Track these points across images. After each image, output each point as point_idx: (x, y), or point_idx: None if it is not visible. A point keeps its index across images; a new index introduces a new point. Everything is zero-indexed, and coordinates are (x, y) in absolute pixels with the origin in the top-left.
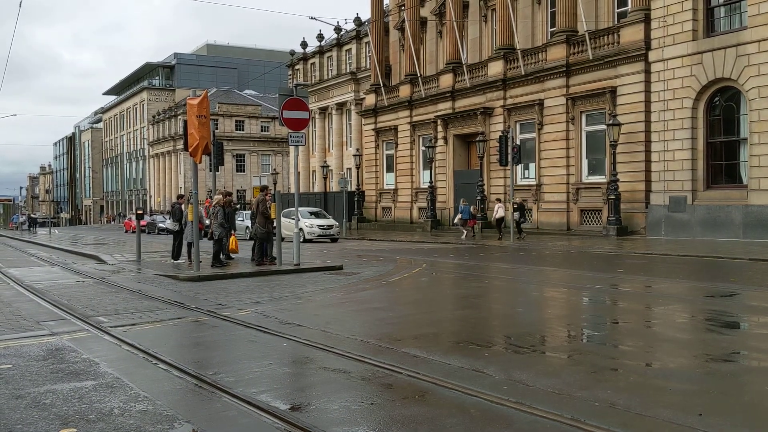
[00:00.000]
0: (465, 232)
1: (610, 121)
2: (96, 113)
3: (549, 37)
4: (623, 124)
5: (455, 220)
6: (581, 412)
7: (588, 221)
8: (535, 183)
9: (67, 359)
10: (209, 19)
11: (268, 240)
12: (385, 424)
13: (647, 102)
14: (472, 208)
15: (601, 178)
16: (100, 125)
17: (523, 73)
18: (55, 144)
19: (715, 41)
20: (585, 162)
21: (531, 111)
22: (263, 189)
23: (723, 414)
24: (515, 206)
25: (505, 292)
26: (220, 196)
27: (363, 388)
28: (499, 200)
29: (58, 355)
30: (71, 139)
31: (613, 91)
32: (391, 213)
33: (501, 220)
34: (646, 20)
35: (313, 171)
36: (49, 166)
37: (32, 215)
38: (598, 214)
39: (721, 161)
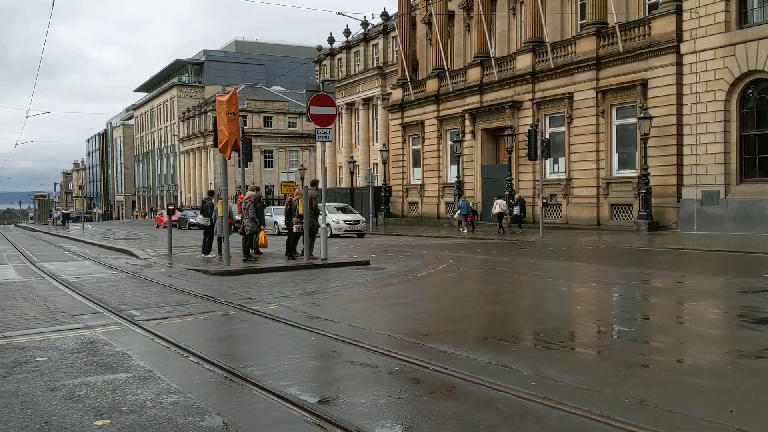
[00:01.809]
0: (465, 227)
1: (641, 115)
2: (127, 110)
3: (578, 30)
4: (654, 117)
5: (455, 215)
6: (610, 408)
7: (618, 216)
8: (564, 177)
9: (101, 352)
10: (229, 15)
11: (315, 234)
12: (412, 419)
13: (679, 95)
14: (471, 204)
15: (631, 172)
16: (132, 122)
17: (552, 66)
18: (88, 140)
19: (748, 33)
20: (615, 156)
21: (560, 104)
22: (314, 183)
23: (755, 411)
24: (514, 201)
25: (534, 288)
26: (252, 192)
27: (390, 382)
28: (500, 196)
29: (92, 348)
30: (103, 136)
31: (644, 83)
32: (418, 208)
33: (501, 215)
34: (678, 12)
35: (340, 166)
36: (82, 162)
37: (64, 211)
38: (629, 208)
39: (755, 155)
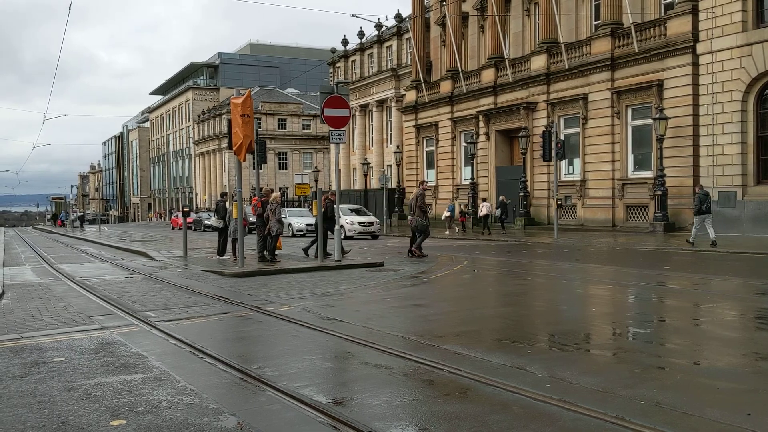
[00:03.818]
0: (456, 228)
1: (657, 115)
2: (143, 113)
3: (593, 30)
4: (670, 118)
5: (443, 218)
6: (626, 411)
7: (634, 217)
8: (579, 179)
9: (117, 353)
10: (243, 18)
11: (425, 233)
12: (426, 420)
13: (695, 95)
14: (462, 206)
15: (647, 174)
16: (147, 124)
17: (566, 67)
18: (104, 143)
19: (765, 32)
20: (631, 157)
21: (575, 105)
22: (421, 183)
23: None
24: (497, 204)
25: (549, 290)
26: (278, 194)
27: (404, 383)
28: (484, 199)
29: (108, 349)
30: (119, 139)
31: (659, 84)
32: (432, 210)
33: (486, 217)
34: (694, 12)
35: (354, 168)
36: (99, 164)
37: (79, 213)
38: (645, 210)
39: None
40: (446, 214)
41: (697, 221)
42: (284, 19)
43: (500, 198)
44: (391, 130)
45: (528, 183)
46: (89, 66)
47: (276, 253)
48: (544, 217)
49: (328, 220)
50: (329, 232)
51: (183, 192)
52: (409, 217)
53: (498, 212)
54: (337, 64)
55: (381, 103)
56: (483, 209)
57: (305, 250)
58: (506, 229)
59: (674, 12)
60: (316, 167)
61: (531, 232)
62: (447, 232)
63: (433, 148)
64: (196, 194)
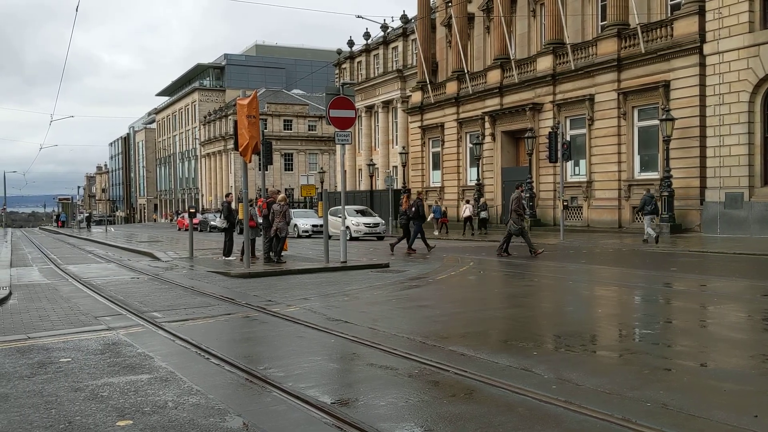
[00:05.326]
0: (437, 229)
1: (664, 116)
2: (149, 114)
3: (599, 31)
4: (677, 119)
5: (428, 219)
6: (632, 413)
7: (640, 219)
8: (585, 180)
9: (123, 353)
10: (246, 19)
11: (524, 235)
12: (432, 421)
13: (702, 96)
14: (444, 208)
15: (653, 175)
16: (154, 126)
17: (572, 68)
18: (111, 144)
19: None
20: (637, 158)
21: (581, 106)
22: (519, 186)
23: None
24: (482, 206)
25: (555, 291)
26: (284, 195)
27: (410, 385)
28: (467, 201)
29: (114, 349)
30: (126, 140)
31: (666, 85)
32: None
33: (468, 218)
34: (701, 12)
35: (360, 169)
36: (105, 165)
37: (86, 214)
38: None
39: None
40: (431, 215)
41: (647, 220)
42: (284, 20)
43: (481, 200)
44: (396, 131)
45: (534, 184)
46: (91, 67)
47: (282, 254)
48: (550, 218)
49: (420, 217)
50: (409, 229)
51: (189, 193)
52: (514, 218)
53: (485, 214)
54: (343, 65)
55: (387, 104)
56: (465, 211)
57: (392, 246)
58: (488, 230)
59: (681, 12)
60: (321, 168)
61: (537, 233)
62: (436, 233)
63: (439, 149)
64: (202, 195)
